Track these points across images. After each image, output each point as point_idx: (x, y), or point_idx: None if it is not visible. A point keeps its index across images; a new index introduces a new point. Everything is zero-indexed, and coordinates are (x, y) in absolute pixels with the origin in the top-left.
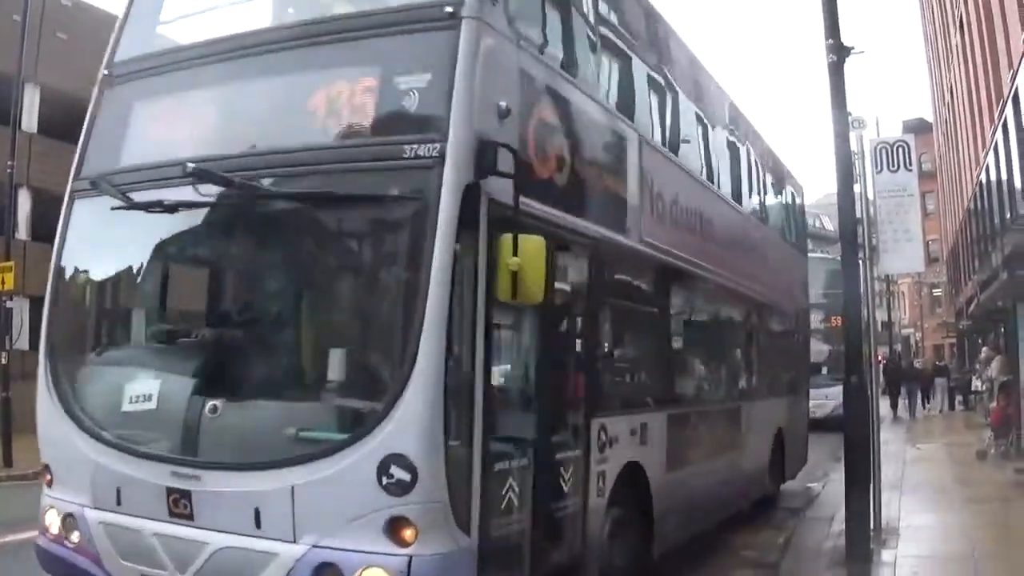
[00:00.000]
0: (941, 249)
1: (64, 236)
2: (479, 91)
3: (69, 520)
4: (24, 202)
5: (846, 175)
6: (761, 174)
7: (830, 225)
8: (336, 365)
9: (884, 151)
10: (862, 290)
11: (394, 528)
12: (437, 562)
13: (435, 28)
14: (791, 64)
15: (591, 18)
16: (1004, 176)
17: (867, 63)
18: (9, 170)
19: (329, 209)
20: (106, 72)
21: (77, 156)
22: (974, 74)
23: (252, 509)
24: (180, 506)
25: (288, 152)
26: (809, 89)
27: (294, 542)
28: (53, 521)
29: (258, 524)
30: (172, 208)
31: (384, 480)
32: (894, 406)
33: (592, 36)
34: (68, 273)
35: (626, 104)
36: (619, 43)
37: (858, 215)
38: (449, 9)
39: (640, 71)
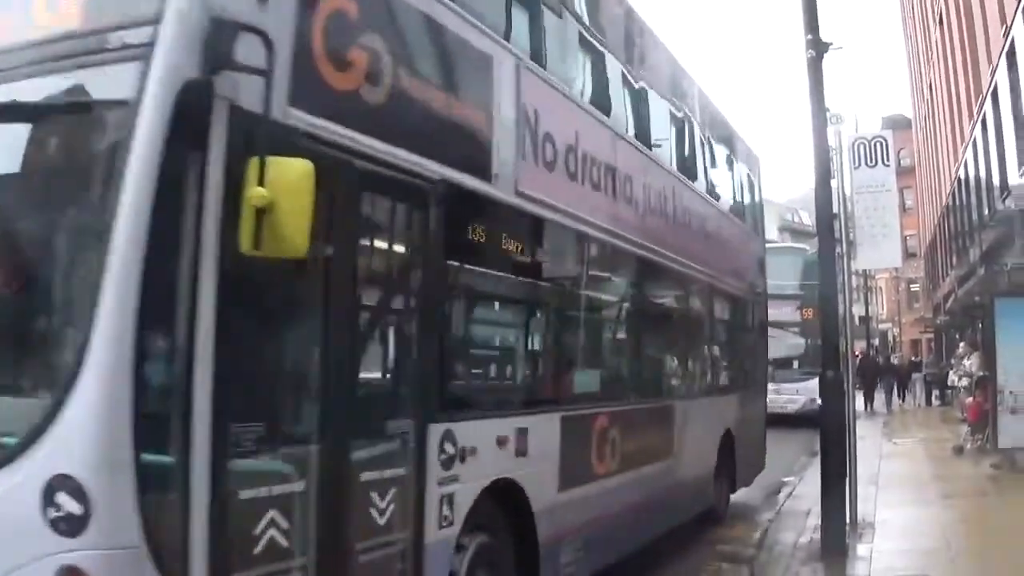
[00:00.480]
0: (919, 244)
1: None
2: None
3: None
4: None
5: (824, 170)
6: (706, 138)
7: (808, 220)
8: None
9: (862, 147)
10: (839, 284)
11: None
12: None
13: None
14: (771, 60)
15: None
16: (982, 172)
17: (847, 59)
18: None
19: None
20: None
21: None
22: (953, 70)
23: None
24: None
25: None
26: (789, 85)
27: None
28: None
29: None
30: None
31: (50, 512)
32: (870, 401)
33: None
34: None
35: (496, 17)
36: None
37: (836, 210)
38: None
39: None
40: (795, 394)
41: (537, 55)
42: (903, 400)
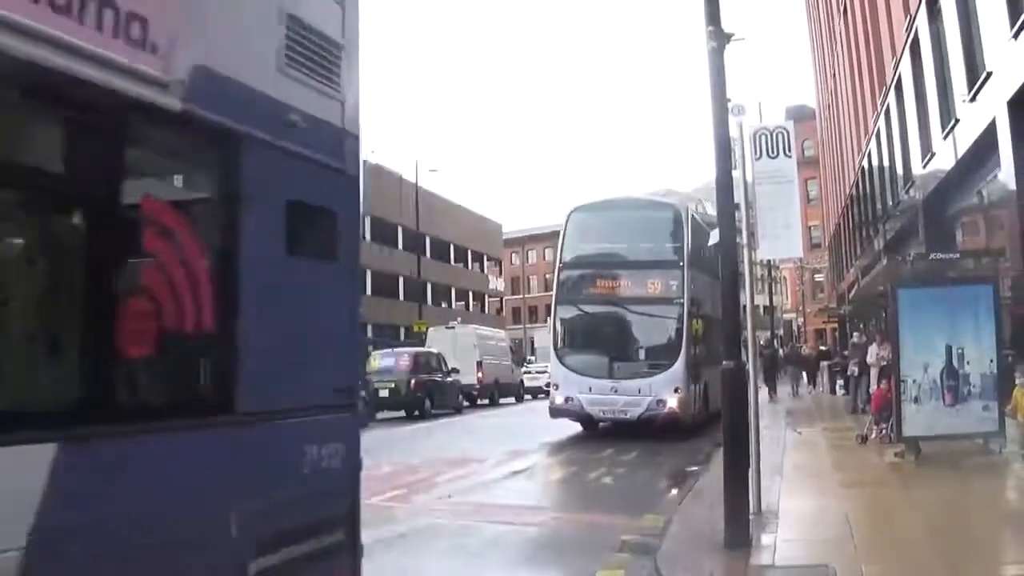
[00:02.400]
0: (823, 235)
1: None
2: None
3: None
4: None
5: (724, 161)
6: None
7: (712, 210)
8: None
9: (764, 137)
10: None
11: None
12: None
13: None
14: (675, 48)
15: None
16: (886, 162)
17: (750, 48)
18: None
19: None
20: None
21: None
22: (857, 61)
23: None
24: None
25: None
26: (696, 73)
27: None
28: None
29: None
30: None
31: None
32: (773, 391)
33: None
34: None
35: None
36: None
37: (737, 200)
38: None
39: None
40: (636, 394)
41: None
42: (813, 387)
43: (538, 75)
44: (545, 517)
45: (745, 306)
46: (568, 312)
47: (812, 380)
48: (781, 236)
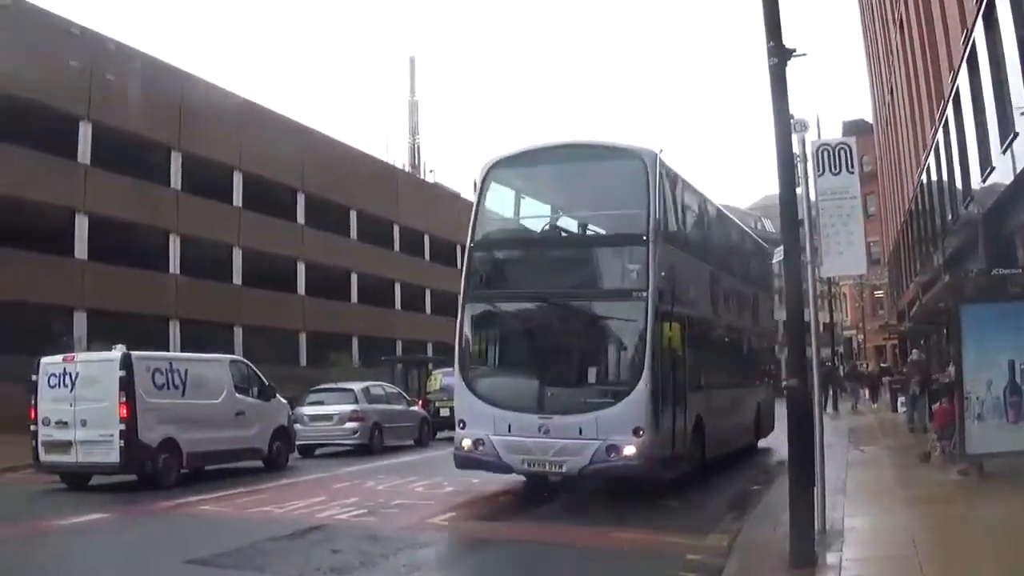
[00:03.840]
0: (882, 251)
1: None
2: None
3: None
4: None
5: (788, 178)
6: None
7: (771, 227)
8: None
9: (826, 153)
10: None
11: None
12: None
13: None
14: (732, 65)
15: None
16: (945, 177)
17: (807, 64)
18: None
19: None
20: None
21: None
22: (914, 74)
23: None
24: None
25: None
26: (751, 90)
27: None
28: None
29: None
30: None
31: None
32: (833, 408)
33: None
34: None
35: None
36: None
37: (800, 216)
38: None
39: None
40: (577, 436)
41: None
42: (874, 403)
43: (593, 86)
44: (609, 537)
45: (809, 323)
46: (480, 314)
47: (874, 397)
48: (844, 253)
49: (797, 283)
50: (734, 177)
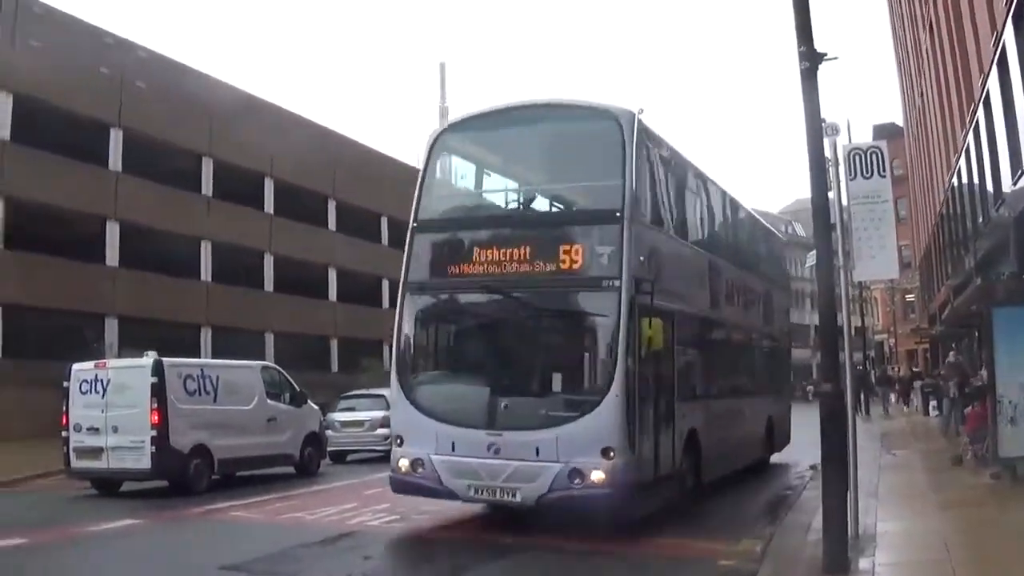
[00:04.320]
0: (913, 254)
1: None
2: None
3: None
4: None
5: (820, 182)
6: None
7: (802, 231)
8: None
9: (858, 157)
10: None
11: None
12: None
13: None
14: (758, 68)
15: None
16: (976, 180)
17: (837, 68)
18: None
19: None
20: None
21: None
22: (944, 77)
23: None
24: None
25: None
26: (779, 93)
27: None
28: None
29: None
30: None
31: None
32: (865, 412)
33: None
34: None
35: None
36: None
37: (832, 221)
38: None
39: None
40: (534, 457)
41: None
42: (905, 407)
43: (623, 89)
44: (640, 543)
45: (842, 328)
46: (423, 307)
47: (905, 401)
48: (877, 257)
49: (830, 287)
50: (764, 181)
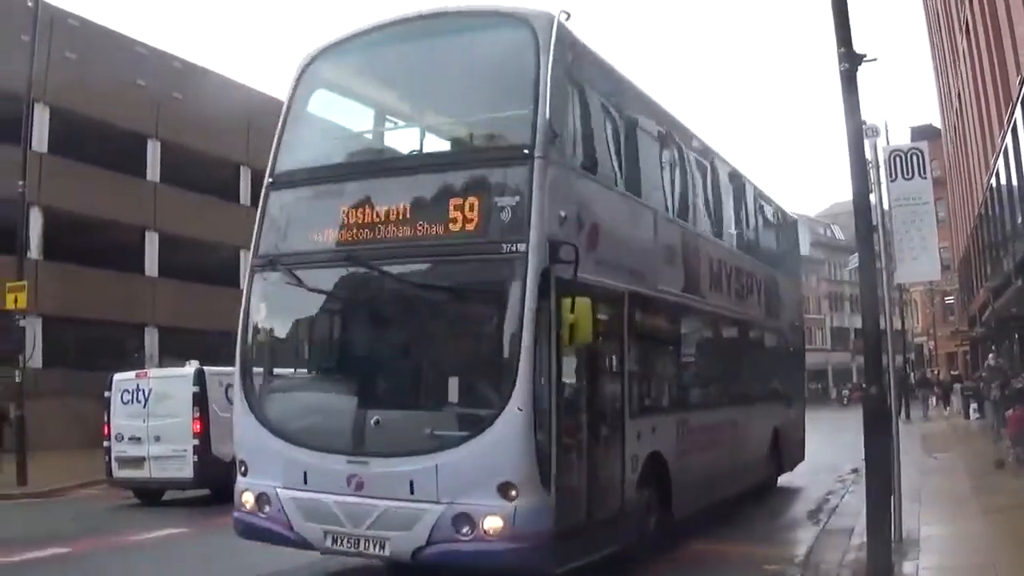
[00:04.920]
0: (952, 256)
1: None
2: None
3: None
4: (36, 221)
5: (862, 184)
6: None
7: (840, 234)
8: None
9: (898, 159)
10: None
11: None
12: None
13: None
14: (791, 71)
15: None
16: (1015, 181)
17: (873, 69)
18: (21, 189)
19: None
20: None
21: None
22: (981, 78)
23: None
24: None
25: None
26: (813, 96)
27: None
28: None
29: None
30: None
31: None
32: (906, 416)
33: None
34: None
35: None
36: None
37: (874, 224)
38: None
39: None
40: (407, 496)
41: None
42: (946, 409)
43: (657, 90)
44: (685, 546)
45: (884, 331)
46: (274, 289)
47: (945, 403)
48: (919, 258)
49: (873, 289)
50: (802, 185)
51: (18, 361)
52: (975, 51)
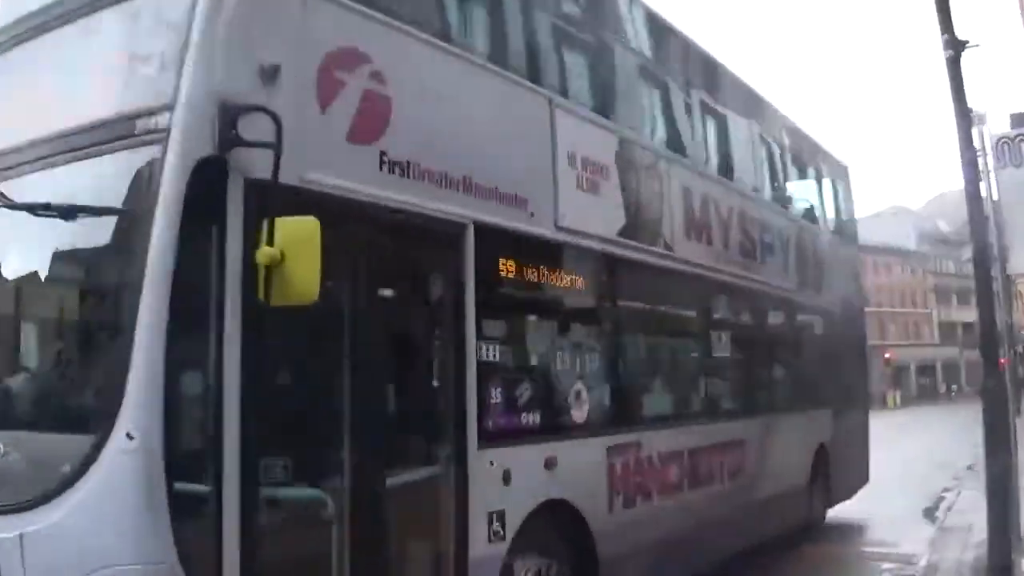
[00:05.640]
0: None
1: None
2: None
3: None
4: None
5: (972, 172)
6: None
7: (945, 227)
8: None
9: (1006, 146)
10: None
11: None
12: None
13: None
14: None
15: None
16: None
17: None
18: None
19: None
20: None
21: None
22: None
23: None
24: None
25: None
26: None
27: None
28: None
29: None
30: None
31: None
32: (1018, 410)
33: None
34: None
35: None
36: None
37: (986, 214)
38: None
39: None
40: None
41: None
42: None
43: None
44: (799, 545)
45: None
46: None
47: None
48: None
49: (988, 281)
50: (904, 175)
51: None
52: None
